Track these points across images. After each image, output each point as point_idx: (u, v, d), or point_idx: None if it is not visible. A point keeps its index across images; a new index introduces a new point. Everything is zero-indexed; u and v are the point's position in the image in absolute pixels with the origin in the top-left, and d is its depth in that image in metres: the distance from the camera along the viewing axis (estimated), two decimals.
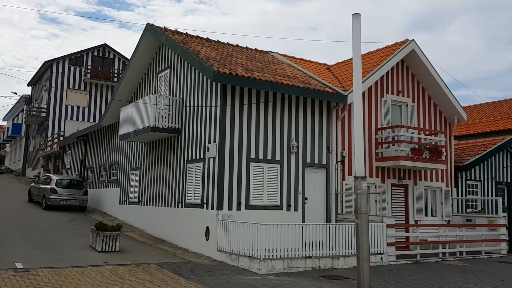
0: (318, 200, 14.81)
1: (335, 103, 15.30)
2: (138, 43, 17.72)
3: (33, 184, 23.26)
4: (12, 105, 46.87)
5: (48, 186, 20.34)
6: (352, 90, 13.63)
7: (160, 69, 17.47)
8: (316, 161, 14.91)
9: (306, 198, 14.46)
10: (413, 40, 17.09)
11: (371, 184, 15.66)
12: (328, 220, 14.75)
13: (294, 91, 14.27)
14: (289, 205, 14.06)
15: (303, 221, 14.05)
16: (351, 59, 18.05)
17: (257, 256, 11.41)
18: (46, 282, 9.15)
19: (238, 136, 13.53)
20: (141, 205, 17.75)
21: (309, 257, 12.19)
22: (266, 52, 19.53)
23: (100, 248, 12.75)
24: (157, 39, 17.12)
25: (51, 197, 19.95)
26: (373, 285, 9.46)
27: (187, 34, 17.64)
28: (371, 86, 16.32)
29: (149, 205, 17.09)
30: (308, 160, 14.72)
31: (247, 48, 18.97)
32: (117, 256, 12.46)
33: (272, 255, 11.57)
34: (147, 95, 17.29)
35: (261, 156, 13.86)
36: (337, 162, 15.29)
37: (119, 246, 13.11)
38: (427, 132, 17.31)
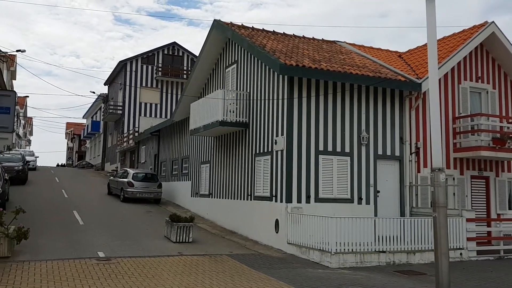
0: (391, 193, 14.29)
1: (408, 91, 14.65)
2: (205, 39, 18.06)
3: (111, 178, 24.58)
4: (91, 103, 49.89)
5: (126, 180, 21.41)
6: (427, 77, 12.98)
7: (227, 64, 17.70)
8: (388, 153, 14.38)
9: (378, 191, 14.01)
10: (493, 22, 15.94)
11: (449, 176, 14.84)
12: (402, 214, 14.20)
13: (363, 81, 13.84)
14: (360, 198, 13.71)
15: (375, 214, 13.63)
16: (424, 45, 17.22)
17: (328, 250, 11.25)
18: (126, 271, 9.62)
19: (306, 128, 13.38)
20: (212, 197, 18.16)
21: (383, 251, 11.82)
22: (333, 42, 19.13)
23: (174, 239, 13.21)
24: (224, 35, 17.34)
25: (128, 190, 20.98)
26: (452, 281, 8.96)
27: (253, 28, 17.71)
28: (447, 72, 15.45)
29: (219, 197, 17.44)
30: (380, 152, 14.24)
31: (313, 39, 18.70)
32: (190, 246, 12.84)
33: (344, 249, 11.36)
34: (215, 90, 17.60)
35: (330, 149, 13.62)
36: (411, 154, 14.66)
37: (192, 237, 13.50)
38: (510, 120, 16.11)
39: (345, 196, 13.53)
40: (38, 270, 9.35)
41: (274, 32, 18.04)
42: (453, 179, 15.20)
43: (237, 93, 15.96)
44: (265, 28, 18.10)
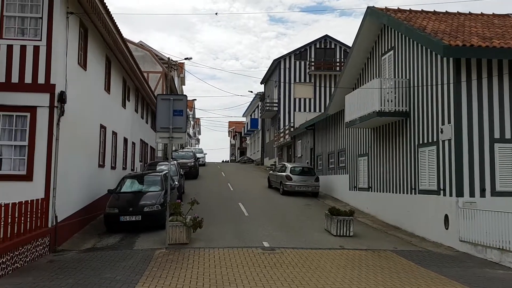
0: None
1: None
2: (359, 28, 17.58)
3: (271, 172, 25.65)
4: (250, 102, 52.89)
5: (284, 174, 22.10)
6: None
7: (383, 52, 16.94)
8: None
9: None
10: None
11: None
12: None
13: None
14: None
15: None
16: None
17: (510, 249, 9.95)
18: (290, 261, 9.90)
19: (478, 114, 12.06)
20: (371, 191, 17.61)
21: None
22: (507, 15, 16.86)
23: (335, 232, 13.15)
24: (379, 21, 16.64)
25: (287, 183, 21.62)
26: None
27: (410, 11, 16.65)
28: None
29: (380, 191, 16.81)
30: None
31: (482, 14, 16.75)
32: (351, 240, 12.63)
33: None
34: (370, 80, 17.03)
35: (508, 136, 12.05)
36: None
37: (353, 231, 13.27)
38: None
39: None
40: (212, 256, 10.19)
41: (434, 12, 16.67)
42: None
43: (395, 81, 15.17)
44: (424, 9, 16.85)
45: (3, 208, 8.42)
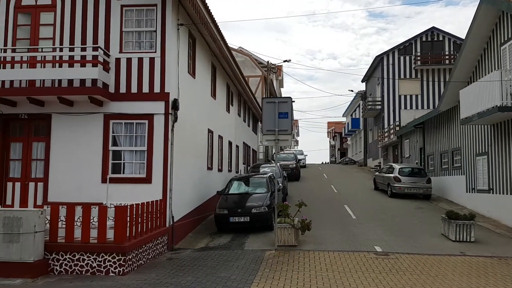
0: None
1: None
2: (473, 17, 16.22)
3: (377, 173, 24.71)
4: (350, 102, 51.70)
5: (392, 175, 21.13)
6: None
7: (502, 41, 15.43)
8: None
9: None
10: None
11: None
12: None
13: None
14: None
15: None
16: None
17: None
18: (406, 267, 9.37)
19: None
20: (493, 193, 16.09)
21: None
22: None
23: (453, 237, 12.21)
24: (496, 8, 15.20)
25: (395, 185, 20.64)
26: None
27: None
28: None
29: (503, 193, 15.29)
30: None
31: None
32: (473, 246, 11.64)
33: None
34: (488, 72, 15.63)
35: None
36: None
37: (474, 237, 12.22)
38: None
39: None
40: (322, 259, 10.02)
41: None
42: None
43: None
44: None
45: (128, 208, 9.10)
